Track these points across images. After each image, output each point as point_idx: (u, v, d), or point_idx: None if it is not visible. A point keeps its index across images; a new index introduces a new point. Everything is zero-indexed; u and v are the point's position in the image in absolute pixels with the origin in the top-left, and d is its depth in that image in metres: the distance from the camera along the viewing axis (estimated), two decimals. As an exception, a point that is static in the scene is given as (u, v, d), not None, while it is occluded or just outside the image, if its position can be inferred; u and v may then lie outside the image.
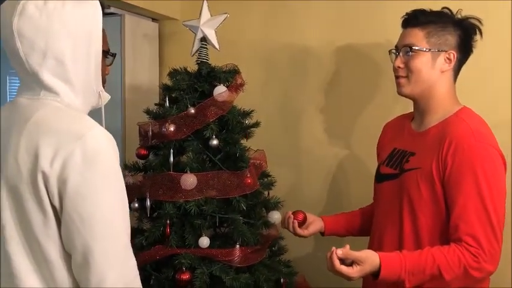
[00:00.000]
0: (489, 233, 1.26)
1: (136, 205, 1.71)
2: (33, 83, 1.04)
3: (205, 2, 1.81)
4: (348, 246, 1.25)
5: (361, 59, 2.11)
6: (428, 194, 1.35)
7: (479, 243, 1.26)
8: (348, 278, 1.26)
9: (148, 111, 1.82)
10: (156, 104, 1.86)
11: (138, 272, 1.05)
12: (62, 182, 0.95)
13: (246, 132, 1.84)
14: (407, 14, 1.48)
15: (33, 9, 0.99)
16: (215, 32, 1.81)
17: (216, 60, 1.83)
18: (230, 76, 1.79)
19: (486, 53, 1.83)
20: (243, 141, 1.82)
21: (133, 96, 2.25)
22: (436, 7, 1.50)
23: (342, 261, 1.24)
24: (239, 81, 1.81)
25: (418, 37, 1.42)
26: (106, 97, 1.13)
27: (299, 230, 1.64)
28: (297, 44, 2.24)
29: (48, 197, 0.96)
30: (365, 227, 1.69)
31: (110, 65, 1.22)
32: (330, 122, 2.22)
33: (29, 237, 0.99)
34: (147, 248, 1.66)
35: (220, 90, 1.73)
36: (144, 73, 2.36)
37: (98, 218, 0.97)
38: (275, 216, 1.82)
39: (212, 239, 1.69)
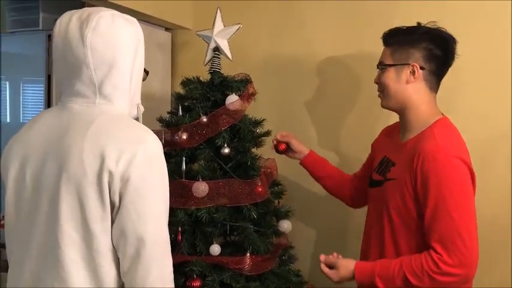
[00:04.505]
0: (456, 238, 1.33)
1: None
2: (89, 91, 1.13)
3: (218, 12, 1.84)
4: (334, 254, 1.53)
5: (372, 69, 2.11)
6: (402, 203, 1.45)
7: (446, 248, 1.34)
8: (330, 279, 1.51)
9: (161, 119, 1.84)
10: (168, 112, 1.88)
11: (172, 269, 1.14)
12: (125, 180, 1.04)
13: (257, 141, 1.85)
14: (383, 35, 1.60)
15: (105, 25, 1.11)
16: (228, 42, 1.83)
17: (227, 70, 1.86)
18: (242, 85, 1.81)
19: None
20: (254, 150, 1.84)
21: (146, 104, 2.24)
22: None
23: (330, 266, 1.51)
24: (251, 90, 1.83)
25: (386, 55, 1.56)
26: (141, 109, 1.25)
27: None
28: (308, 55, 2.26)
29: (109, 194, 1.05)
30: (339, 189, 1.87)
31: (143, 80, 1.30)
32: (342, 132, 2.23)
33: (84, 231, 1.06)
34: (159, 255, 1.66)
35: (232, 99, 1.75)
36: (157, 82, 2.39)
37: (152, 213, 1.07)
38: (285, 225, 1.83)
39: (223, 246, 1.70)
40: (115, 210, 1.06)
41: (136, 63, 1.17)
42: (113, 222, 1.07)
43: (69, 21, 1.12)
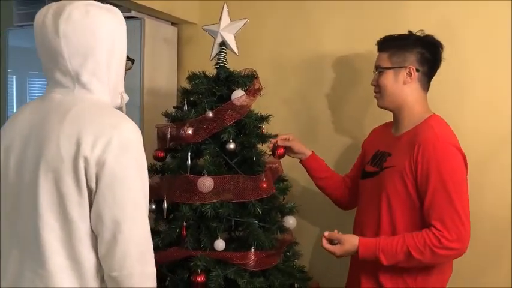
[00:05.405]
0: (454, 217, 1.49)
1: (154, 207, 1.72)
2: (68, 81, 1.15)
3: (225, 7, 1.83)
4: (335, 231, 1.62)
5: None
6: (401, 188, 1.58)
7: (446, 225, 1.48)
8: (333, 254, 1.60)
9: (167, 114, 1.83)
10: (174, 107, 1.88)
11: (153, 254, 1.15)
12: (100, 165, 1.06)
13: (263, 136, 1.84)
14: (377, 41, 1.72)
15: (78, 15, 1.12)
16: (234, 36, 1.82)
17: (233, 65, 1.85)
18: (248, 81, 1.80)
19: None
20: (260, 146, 1.83)
21: (152, 99, 2.27)
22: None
23: (331, 242, 1.60)
24: (257, 85, 1.82)
25: (383, 59, 1.69)
26: (125, 98, 1.25)
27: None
28: (314, 51, 2.25)
29: (86, 179, 1.06)
30: (335, 190, 1.95)
31: (129, 69, 1.32)
32: (345, 129, 2.22)
33: (62, 217, 1.07)
34: (163, 249, 1.67)
35: (238, 95, 1.74)
36: (163, 76, 2.39)
37: (128, 198, 1.08)
38: (290, 221, 1.83)
39: (227, 242, 1.69)
40: (92, 195, 1.07)
41: (116, 52, 1.18)
42: (91, 207, 1.08)
43: (46, 13, 1.14)
